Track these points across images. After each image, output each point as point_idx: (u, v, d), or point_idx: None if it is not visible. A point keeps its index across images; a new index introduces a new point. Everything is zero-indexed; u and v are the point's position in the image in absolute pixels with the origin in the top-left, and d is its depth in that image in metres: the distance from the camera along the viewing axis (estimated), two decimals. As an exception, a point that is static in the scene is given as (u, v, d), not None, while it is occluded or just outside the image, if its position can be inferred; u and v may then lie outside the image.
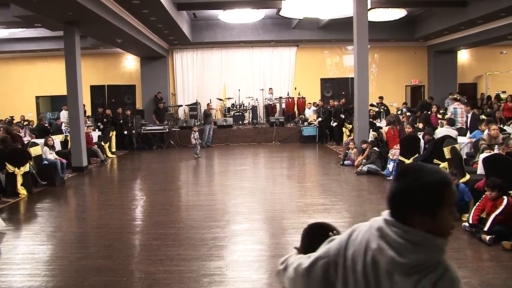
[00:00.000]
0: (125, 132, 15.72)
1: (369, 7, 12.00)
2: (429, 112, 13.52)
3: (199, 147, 13.57)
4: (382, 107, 16.60)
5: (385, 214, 1.46)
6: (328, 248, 1.60)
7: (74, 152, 11.48)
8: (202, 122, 16.74)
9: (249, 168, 11.95)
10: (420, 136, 9.74)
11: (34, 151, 9.77)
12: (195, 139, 13.42)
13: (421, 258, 1.34)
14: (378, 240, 1.42)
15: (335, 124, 15.63)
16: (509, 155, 6.13)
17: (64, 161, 10.48)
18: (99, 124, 15.87)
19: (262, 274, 4.58)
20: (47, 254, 5.34)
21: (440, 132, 10.13)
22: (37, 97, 20.12)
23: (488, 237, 5.12)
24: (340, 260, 1.53)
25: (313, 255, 1.63)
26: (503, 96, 17.81)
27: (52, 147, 10.46)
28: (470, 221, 5.46)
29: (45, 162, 9.98)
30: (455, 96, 13.91)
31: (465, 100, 16.96)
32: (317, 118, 16.71)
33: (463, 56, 20.53)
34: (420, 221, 1.37)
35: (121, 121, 15.88)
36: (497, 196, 5.32)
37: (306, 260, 1.64)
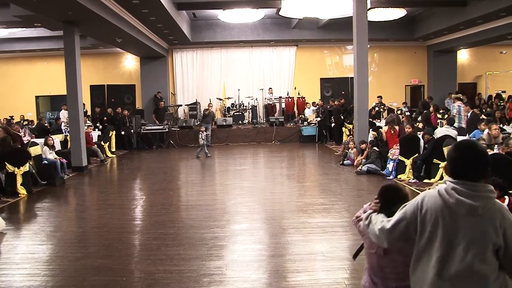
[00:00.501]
0: (122, 133, 15.70)
1: (368, 6, 11.99)
2: (430, 112, 13.51)
3: (205, 147, 13.55)
4: (382, 106, 16.62)
5: (449, 179, 2.14)
6: (404, 212, 2.22)
7: (74, 151, 11.48)
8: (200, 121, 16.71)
9: (249, 168, 11.95)
10: (420, 136, 9.75)
11: (33, 150, 9.77)
12: (202, 139, 13.39)
13: (486, 200, 2.05)
14: (456, 196, 2.06)
15: (333, 124, 15.67)
16: (509, 154, 6.13)
17: (64, 161, 10.49)
18: (97, 124, 15.86)
19: (262, 273, 4.58)
20: (46, 254, 5.34)
21: (439, 132, 10.13)
22: (36, 97, 20.11)
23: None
24: (417, 218, 2.15)
25: (393, 219, 2.25)
26: (503, 95, 17.85)
27: (52, 147, 10.45)
28: None
29: (45, 162, 9.99)
30: (458, 95, 13.93)
31: (465, 100, 16.97)
32: (317, 117, 16.71)
33: (463, 56, 20.54)
34: (483, 176, 2.09)
35: (118, 121, 15.88)
36: (498, 196, 5.31)
37: (387, 223, 2.26)
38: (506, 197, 5.30)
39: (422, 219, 2.13)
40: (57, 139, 11.91)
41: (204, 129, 13.94)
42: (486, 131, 8.04)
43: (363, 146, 10.83)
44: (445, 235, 2.07)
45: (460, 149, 2.14)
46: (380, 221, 2.32)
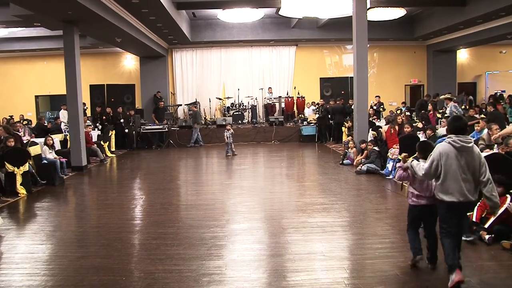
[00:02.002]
0: (126, 131, 15.76)
1: (368, 6, 11.98)
2: (428, 111, 13.48)
3: (233, 146, 13.53)
4: (381, 106, 16.62)
5: (452, 135, 4.07)
6: (433, 158, 4.13)
7: (74, 151, 11.48)
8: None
9: (249, 168, 11.94)
10: (420, 135, 9.74)
11: (33, 150, 9.78)
12: (227, 138, 13.37)
13: (471, 143, 4.05)
14: (459, 142, 4.02)
15: (331, 122, 15.79)
16: (508, 154, 6.12)
17: (63, 160, 10.48)
18: (97, 123, 15.89)
19: (261, 273, 4.57)
20: (46, 254, 5.34)
21: (442, 132, 10.10)
22: (36, 97, 20.12)
23: (487, 237, 5.12)
24: (440, 158, 4.06)
25: (428, 163, 4.17)
26: (504, 95, 17.85)
27: (51, 147, 10.46)
28: (474, 219, 5.42)
29: (45, 161, 9.98)
30: (448, 95, 14.04)
31: (461, 99, 16.90)
32: (317, 116, 16.70)
33: (463, 55, 20.55)
34: (467, 132, 4.17)
35: (122, 120, 15.93)
36: (501, 193, 5.33)
37: (426, 166, 4.18)
38: (508, 195, 5.31)
39: (443, 157, 4.10)
40: (56, 138, 11.91)
41: (229, 127, 13.87)
42: (486, 131, 8.04)
43: (363, 145, 10.83)
44: (455, 162, 4.07)
45: (457, 120, 4.27)
46: (422, 166, 4.25)
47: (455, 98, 14.09)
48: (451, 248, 4.09)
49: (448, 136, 4.14)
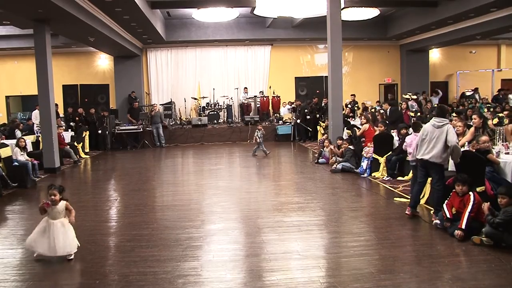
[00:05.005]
0: (99, 132, 15.53)
1: (342, 6, 12.11)
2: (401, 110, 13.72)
3: (263, 145, 13.22)
4: (356, 105, 16.78)
5: (434, 118, 6.22)
6: (420, 133, 6.41)
7: (46, 152, 11.24)
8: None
9: (224, 167, 11.92)
10: (394, 134, 9.88)
11: (3, 152, 9.54)
12: (258, 138, 13.13)
13: (444, 122, 6.07)
14: (434, 121, 6.14)
15: (308, 117, 16.06)
16: (478, 152, 6.27)
17: (35, 162, 10.26)
18: (71, 123, 15.61)
19: (237, 273, 4.57)
20: (17, 259, 5.21)
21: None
22: (7, 97, 19.64)
23: (458, 233, 5.22)
24: (423, 133, 6.26)
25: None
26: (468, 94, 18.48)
27: (23, 149, 10.21)
28: (448, 215, 5.51)
29: (16, 163, 9.74)
30: (407, 96, 14.42)
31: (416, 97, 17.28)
32: (296, 117, 16.64)
33: (435, 55, 20.98)
34: (445, 116, 6.23)
35: (96, 121, 15.69)
36: (466, 191, 5.44)
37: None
38: (471, 193, 5.43)
39: (425, 132, 6.19)
40: (28, 140, 11.64)
41: (261, 127, 13.58)
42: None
43: (339, 142, 10.92)
44: (430, 135, 6.07)
45: (440, 107, 6.50)
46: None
47: (414, 97, 14.86)
48: (415, 193, 6.44)
49: (433, 118, 6.23)
